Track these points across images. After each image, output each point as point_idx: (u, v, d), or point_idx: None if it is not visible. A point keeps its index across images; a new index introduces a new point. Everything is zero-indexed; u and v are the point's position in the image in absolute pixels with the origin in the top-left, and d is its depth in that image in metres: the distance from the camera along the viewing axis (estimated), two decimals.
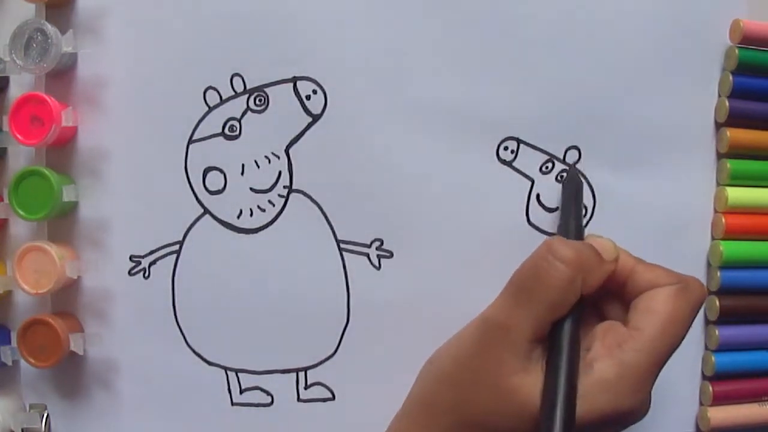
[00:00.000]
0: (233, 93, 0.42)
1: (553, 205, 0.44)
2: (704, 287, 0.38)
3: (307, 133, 0.43)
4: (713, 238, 0.45)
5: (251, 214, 0.43)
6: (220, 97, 0.42)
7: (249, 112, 0.43)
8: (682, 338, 0.37)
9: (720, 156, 0.45)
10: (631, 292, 0.38)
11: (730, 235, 0.45)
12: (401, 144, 0.43)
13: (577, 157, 0.44)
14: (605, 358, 0.36)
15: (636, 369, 0.36)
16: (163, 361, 0.43)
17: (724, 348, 0.45)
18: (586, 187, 0.44)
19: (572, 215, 0.41)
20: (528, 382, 0.36)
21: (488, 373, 0.36)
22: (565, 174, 0.44)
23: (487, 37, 0.43)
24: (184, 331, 0.43)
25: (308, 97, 0.43)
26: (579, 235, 0.41)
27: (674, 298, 0.37)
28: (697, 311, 0.38)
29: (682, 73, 0.44)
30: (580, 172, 0.44)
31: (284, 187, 0.43)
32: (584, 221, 0.44)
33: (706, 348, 0.46)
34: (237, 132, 0.43)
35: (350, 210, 0.43)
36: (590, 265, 0.37)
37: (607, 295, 0.39)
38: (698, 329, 0.45)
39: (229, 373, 0.43)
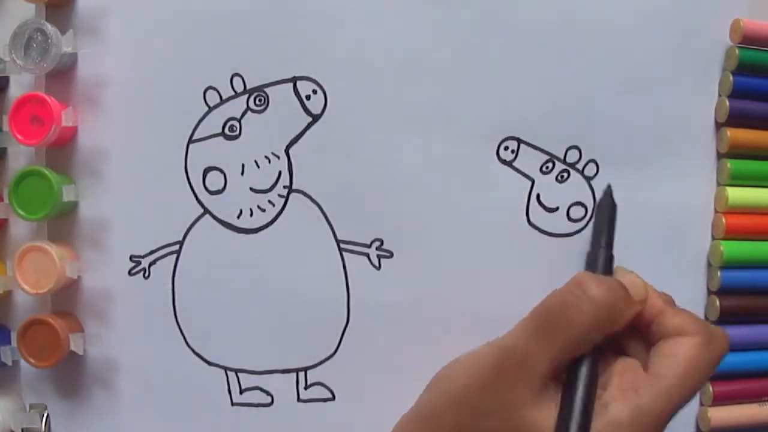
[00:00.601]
0: (233, 93, 0.42)
1: (553, 206, 0.44)
2: (728, 340, 0.37)
3: (307, 133, 0.43)
4: (713, 238, 0.45)
5: (251, 214, 0.43)
6: (220, 97, 0.42)
7: (249, 112, 0.43)
8: (698, 390, 0.37)
9: (720, 156, 0.45)
10: (656, 335, 0.38)
11: (731, 235, 0.45)
12: (401, 144, 0.43)
13: (577, 157, 0.44)
14: (621, 401, 0.35)
15: (650, 415, 0.35)
16: (163, 361, 0.43)
17: None
18: (586, 186, 0.44)
19: (603, 245, 0.41)
20: (540, 417, 0.35)
21: (500, 403, 0.35)
22: (565, 174, 0.44)
23: (488, 36, 0.43)
24: (184, 331, 0.43)
25: (308, 97, 0.43)
26: (608, 267, 0.40)
27: (698, 350, 0.36)
28: (718, 364, 0.37)
29: (682, 73, 0.44)
30: (612, 194, 0.43)
31: (284, 187, 0.43)
32: (584, 222, 0.44)
33: None
34: (237, 132, 0.42)
35: (350, 210, 0.43)
36: (619, 306, 0.36)
37: (629, 332, 0.38)
38: None
39: (229, 373, 0.43)
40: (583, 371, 0.36)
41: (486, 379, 0.36)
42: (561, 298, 0.36)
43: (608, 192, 0.43)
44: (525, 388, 0.35)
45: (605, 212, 0.42)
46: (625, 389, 0.36)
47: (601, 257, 0.40)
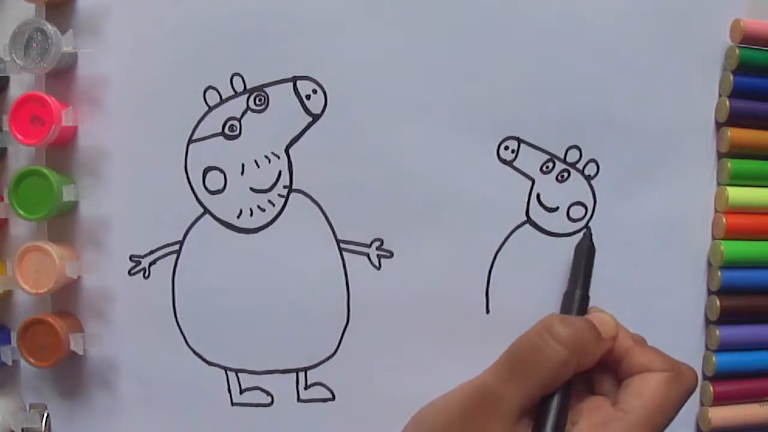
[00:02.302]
0: (233, 93, 0.42)
1: (553, 205, 0.44)
2: (696, 376, 0.39)
3: (307, 133, 0.43)
4: (714, 238, 0.45)
5: (251, 214, 0.43)
6: (220, 97, 0.42)
7: (249, 112, 0.43)
8: (667, 426, 0.38)
9: (721, 156, 0.45)
10: (624, 372, 0.39)
11: (731, 234, 0.45)
12: (401, 144, 0.43)
13: (577, 156, 0.44)
14: None
15: None
16: (163, 361, 0.43)
17: (724, 348, 0.45)
18: (587, 186, 0.44)
19: (579, 286, 0.42)
20: None
21: None
22: (566, 174, 0.44)
23: (488, 36, 0.43)
24: (184, 331, 0.43)
25: (308, 97, 0.43)
26: (583, 306, 0.41)
27: (665, 386, 0.37)
28: (686, 400, 0.38)
29: (682, 73, 0.44)
30: (591, 237, 0.44)
31: (284, 186, 0.43)
32: (584, 222, 0.44)
33: (707, 348, 0.46)
34: (237, 132, 0.42)
35: (350, 210, 0.43)
36: (586, 346, 0.38)
37: (600, 369, 0.40)
38: (699, 329, 0.46)
39: (229, 373, 0.43)
40: (553, 407, 0.37)
41: (459, 415, 0.38)
42: (531, 341, 0.37)
43: (588, 235, 0.44)
44: (498, 424, 0.36)
45: (583, 254, 0.43)
46: (594, 425, 0.37)
47: (576, 298, 0.41)
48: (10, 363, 0.41)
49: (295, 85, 0.42)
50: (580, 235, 0.44)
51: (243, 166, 0.43)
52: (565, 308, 0.42)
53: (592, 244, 0.43)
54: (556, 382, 0.37)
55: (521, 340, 0.38)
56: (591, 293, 0.43)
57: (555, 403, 0.37)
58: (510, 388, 0.37)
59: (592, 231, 0.44)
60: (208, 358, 0.43)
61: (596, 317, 0.39)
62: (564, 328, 0.37)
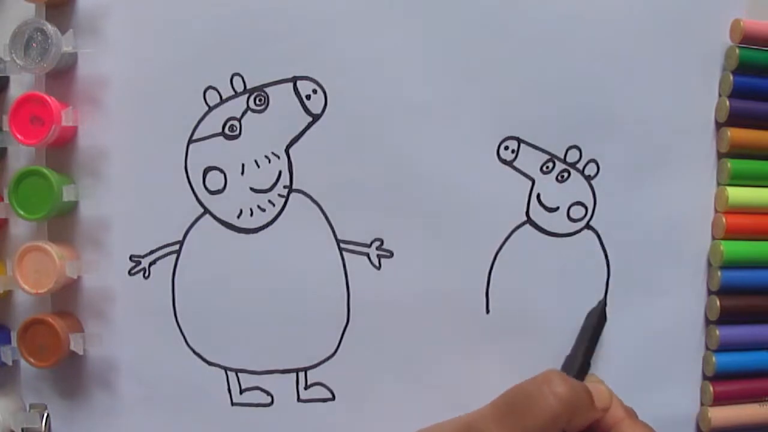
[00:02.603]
0: (233, 93, 0.42)
1: (553, 205, 0.44)
2: None
3: (307, 133, 0.43)
4: (714, 238, 0.45)
5: (251, 214, 0.43)
6: (220, 97, 0.42)
7: (249, 112, 0.43)
8: None
9: (720, 156, 0.45)
10: None
11: (731, 234, 0.45)
12: (401, 144, 0.43)
13: (577, 156, 0.44)
14: None
15: None
16: (163, 361, 0.43)
17: (724, 348, 0.45)
18: (587, 186, 0.44)
19: (583, 351, 0.42)
20: None
21: None
22: (566, 174, 0.44)
23: (488, 36, 0.43)
24: (184, 331, 0.43)
25: (308, 97, 0.43)
26: (582, 372, 0.42)
27: None
28: None
29: (682, 73, 0.44)
30: (605, 308, 0.44)
31: (284, 186, 0.43)
32: (585, 222, 0.44)
33: (707, 348, 0.46)
34: (237, 132, 0.42)
35: (350, 210, 0.43)
36: (581, 408, 0.38)
37: None
38: (699, 329, 0.46)
39: (229, 373, 0.43)
40: None
41: None
42: (528, 390, 0.37)
43: (602, 306, 0.44)
44: None
45: (593, 324, 0.43)
46: None
47: (577, 364, 0.42)
48: (10, 363, 0.42)
49: (295, 85, 0.42)
50: (581, 235, 0.44)
51: (243, 166, 0.43)
52: (565, 370, 0.42)
53: (605, 315, 0.44)
54: None
55: (518, 388, 0.38)
56: (589, 292, 0.43)
57: None
58: (499, 431, 0.37)
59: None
60: (208, 358, 0.43)
61: (593, 386, 0.39)
62: (562, 385, 0.37)
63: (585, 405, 0.38)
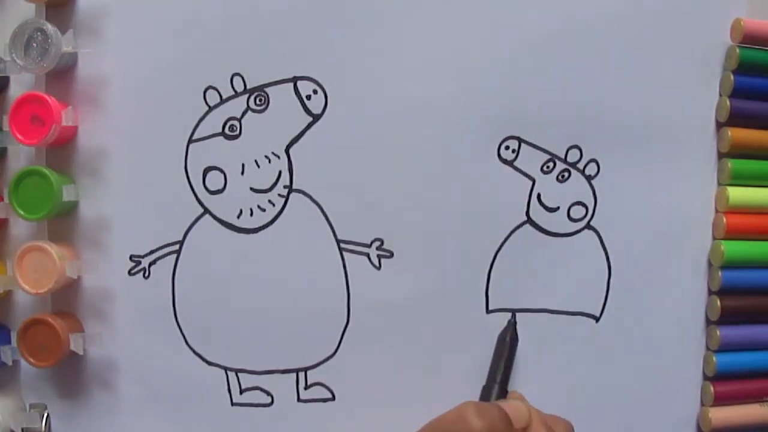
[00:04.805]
0: (233, 93, 0.42)
1: (554, 205, 0.44)
2: None
3: (307, 133, 0.43)
4: (714, 238, 0.45)
5: (251, 214, 0.43)
6: (220, 97, 0.42)
7: (249, 112, 0.42)
8: None
9: (721, 155, 0.45)
10: None
11: (732, 234, 0.45)
12: (401, 144, 0.43)
13: (578, 156, 0.44)
14: None
15: None
16: (163, 361, 0.43)
17: (725, 348, 0.45)
18: (587, 186, 0.44)
19: (497, 381, 0.42)
20: None
21: None
22: (566, 174, 0.44)
23: (488, 36, 0.43)
24: (184, 331, 0.43)
25: (308, 97, 0.42)
26: (501, 398, 0.41)
27: None
28: None
29: (683, 73, 0.44)
30: (515, 327, 0.43)
31: (284, 186, 0.43)
32: (585, 222, 0.44)
33: (707, 348, 0.46)
34: (237, 132, 0.42)
35: (350, 210, 0.43)
36: None
37: None
38: (699, 329, 0.45)
39: (229, 373, 0.43)
40: None
41: None
42: (445, 428, 0.37)
43: (512, 323, 0.43)
44: None
45: (506, 346, 0.43)
46: None
47: (494, 391, 0.41)
48: (10, 363, 0.41)
49: (295, 85, 0.42)
50: (581, 235, 0.44)
51: (243, 166, 0.43)
52: (483, 399, 0.42)
53: (516, 334, 0.43)
54: None
55: (436, 426, 0.37)
56: (589, 292, 0.43)
57: None
58: None
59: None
60: (208, 358, 0.43)
61: (511, 406, 0.38)
62: (477, 420, 0.36)
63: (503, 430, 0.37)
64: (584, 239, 0.44)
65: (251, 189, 0.43)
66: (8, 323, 0.43)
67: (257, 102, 0.42)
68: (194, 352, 0.43)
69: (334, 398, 0.44)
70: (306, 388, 0.43)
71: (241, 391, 0.43)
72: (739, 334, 0.45)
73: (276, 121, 0.43)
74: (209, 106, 0.42)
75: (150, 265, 0.43)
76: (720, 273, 0.45)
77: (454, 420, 0.36)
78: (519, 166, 0.44)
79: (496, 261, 0.44)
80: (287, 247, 0.43)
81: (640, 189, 0.44)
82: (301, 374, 0.43)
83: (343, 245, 0.43)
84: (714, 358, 0.45)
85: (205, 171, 0.43)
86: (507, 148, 0.43)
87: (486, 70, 0.43)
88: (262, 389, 0.43)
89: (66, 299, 0.43)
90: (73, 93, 0.42)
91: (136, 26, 0.42)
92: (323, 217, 0.43)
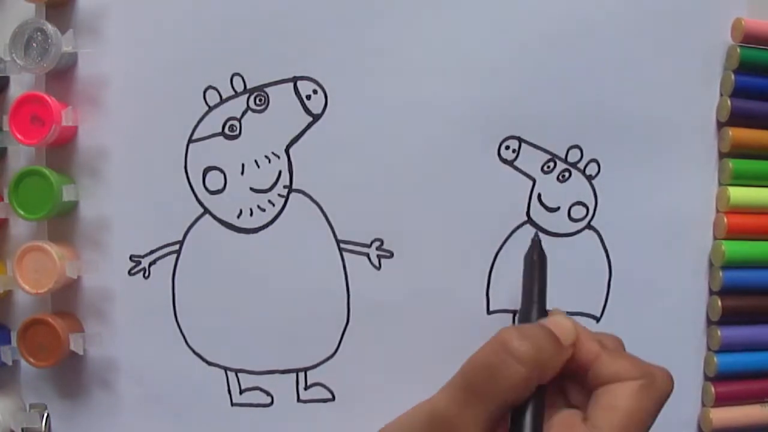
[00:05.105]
0: (233, 93, 0.42)
1: (554, 205, 0.44)
2: (671, 380, 0.36)
3: (307, 133, 0.43)
4: (715, 238, 0.45)
5: (251, 214, 0.43)
6: (220, 97, 0.42)
7: (249, 112, 0.42)
8: None
9: (722, 155, 0.45)
10: (594, 382, 0.36)
11: (732, 234, 0.44)
12: (401, 144, 0.43)
13: (578, 156, 0.44)
14: None
15: None
16: (163, 361, 0.43)
17: (726, 349, 0.45)
18: (588, 186, 0.44)
19: (535, 300, 0.39)
20: None
21: None
22: (567, 174, 0.44)
23: (488, 36, 0.43)
24: (184, 331, 0.43)
25: (308, 97, 0.42)
26: (541, 317, 0.38)
27: (637, 395, 0.34)
28: (662, 406, 0.35)
29: (683, 73, 0.44)
30: (540, 244, 0.40)
31: (284, 186, 0.43)
32: (586, 222, 0.44)
33: (708, 348, 0.45)
34: (237, 132, 0.42)
35: (350, 210, 0.43)
36: (547, 360, 0.34)
37: (570, 378, 0.37)
38: (700, 329, 0.45)
39: (229, 373, 0.43)
40: (527, 424, 0.34)
41: None
42: (486, 360, 0.34)
43: (536, 241, 0.41)
44: None
45: (535, 264, 0.40)
46: None
47: (533, 312, 0.39)
48: (10, 363, 0.42)
49: (295, 85, 0.42)
50: (581, 235, 0.44)
51: (243, 166, 0.43)
52: (522, 322, 0.39)
53: (542, 251, 0.40)
54: (519, 400, 0.34)
55: (475, 361, 0.34)
56: (590, 292, 0.42)
57: (527, 420, 0.34)
58: (468, 415, 0.33)
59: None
60: (208, 358, 0.43)
61: (554, 322, 0.36)
62: (522, 344, 0.33)
63: (551, 353, 0.34)
64: (585, 239, 0.44)
65: (251, 189, 0.43)
66: (8, 323, 0.43)
67: (257, 102, 0.42)
68: (194, 352, 0.43)
69: (334, 398, 0.43)
70: (306, 388, 0.43)
71: (241, 392, 0.43)
72: (740, 335, 0.45)
73: (276, 121, 0.43)
74: (209, 106, 0.42)
75: (150, 265, 0.43)
76: (721, 273, 0.44)
77: (495, 350, 0.33)
78: (519, 166, 0.44)
79: (496, 261, 0.44)
80: (287, 247, 0.43)
81: (641, 189, 0.44)
82: (301, 374, 0.43)
83: (343, 245, 0.43)
84: (715, 359, 0.45)
85: (205, 171, 0.43)
86: (507, 148, 0.43)
87: (486, 70, 0.43)
88: (262, 389, 0.43)
89: (66, 299, 0.43)
90: (73, 93, 0.42)
91: (136, 26, 0.42)
92: (323, 217, 0.43)
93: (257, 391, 0.43)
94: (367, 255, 0.43)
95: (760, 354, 0.45)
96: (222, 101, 0.42)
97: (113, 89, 0.42)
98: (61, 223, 0.43)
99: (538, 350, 0.34)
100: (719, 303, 0.44)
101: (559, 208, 0.44)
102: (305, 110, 0.43)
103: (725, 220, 0.44)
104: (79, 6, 0.42)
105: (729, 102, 0.44)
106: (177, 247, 0.43)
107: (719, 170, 0.45)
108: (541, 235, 0.44)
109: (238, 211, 0.43)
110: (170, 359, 0.43)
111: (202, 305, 0.43)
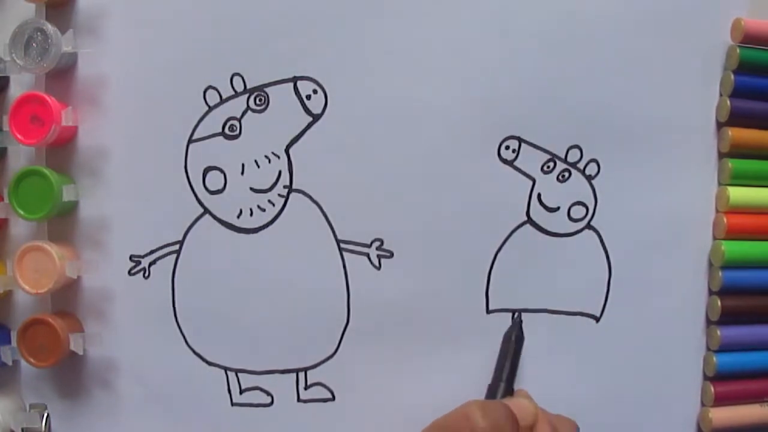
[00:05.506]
0: (233, 93, 0.42)
1: (554, 205, 0.44)
2: None
3: (307, 133, 0.43)
4: (715, 238, 0.45)
5: (251, 214, 0.43)
6: (220, 97, 0.42)
7: (249, 112, 0.42)
8: None
9: (721, 155, 0.45)
10: None
11: (732, 234, 0.45)
12: (401, 144, 0.43)
13: (578, 156, 0.44)
14: None
15: None
16: (163, 361, 0.43)
17: (725, 348, 0.45)
18: (587, 186, 0.44)
19: (503, 379, 0.41)
20: None
21: None
22: (566, 174, 0.44)
23: (488, 36, 0.43)
24: (184, 331, 0.43)
25: (308, 97, 0.42)
26: (507, 395, 0.41)
27: None
28: None
29: (683, 73, 0.44)
30: (521, 326, 0.43)
31: (284, 186, 0.43)
32: (585, 222, 0.44)
33: (708, 348, 0.46)
34: (237, 132, 0.42)
35: (350, 210, 0.43)
36: None
37: None
38: (700, 329, 0.45)
39: (229, 373, 0.43)
40: None
41: None
42: (449, 428, 0.36)
43: (518, 322, 0.43)
44: None
45: (512, 344, 0.42)
46: None
47: (500, 391, 0.41)
48: (10, 363, 0.41)
49: (295, 85, 0.42)
50: (581, 235, 0.44)
51: (243, 166, 0.43)
52: (489, 399, 0.41)
53: (521, 333, 0.43)
54: None
55: (439, 425, 0.37)
56: (589, 292, 0.42)
57: None
58: None
59: None
60: (208, 358, 0.43)
61: (517, 404, 0.38)
62: (483, 419, 0.36)
63: (509, 430, 0.37)
64: (584, 239, 0.44)
65: (251, 189, 0.43)
66: (8, 323, 0.43)
67: (257, 102, 0.42)
68: (194, 352, 0.43)
69: (334, 398, 0.43)
70: (306, 388, 0.43)
71: (241, 391, 0.43)
72: (740, 334, 0.45)
73: (276, 121, 0.43)
74: (209, 106, 0.42)
75: (150, 265, 0.43)
76: (720, 273, 0.44)
77: (458, 419, 0.36)
78: (519, 166, 0.44)
79: (496, 261, 0.44)
80: (287, 247, 0.43)
81: (641, 189, 0.44)
82: (301, 374, 0.43)
83: (343, 245, 0.43)
84: (714, 359, 0.45)
85: (205, 171, 0.43)
86: (507, 148, 0.43)
87: (486, 70, 0.43)
88: (262, 389, 0.43)
89: (66, 299, 0.43)
90: (73, 93, 0.42)
91: (136, 26, 0.42)
92: (323, 217, 0.43)
93: (257, 391, 0.43)
94: (367, 255, 0.43)
95: (759, 354, 0.45)
96: (222, 101, 0.42)
97: (113, 89, 0.42)
98: (61, 223, 0.42)
99: (496, 429, 0.36)
100: (719, 303, 0.44)
101: (559, 208, 0.44)
102: (305, 110, 0.43)
103: (725, 220, 0.44)
104: (79, 6, 0.42)
105: (729, 102, 0.44)
106: (177, 247, 0.43)
107: (719, 170, 0.45)
108: (540, 235, 0.44)
109: (238, 211, 0.43)
110: (170, 359, 0.43)
111: (202, 305, 0.43)
